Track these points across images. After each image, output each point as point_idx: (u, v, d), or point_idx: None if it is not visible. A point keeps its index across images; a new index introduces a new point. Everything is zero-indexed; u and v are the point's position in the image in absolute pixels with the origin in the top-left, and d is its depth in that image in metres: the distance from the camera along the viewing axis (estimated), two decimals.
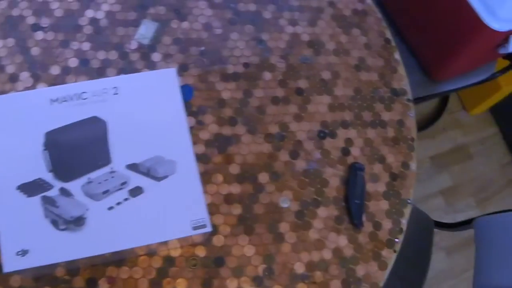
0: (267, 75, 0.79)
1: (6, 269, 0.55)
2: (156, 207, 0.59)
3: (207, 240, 0.70)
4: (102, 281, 0.67)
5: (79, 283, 0.67)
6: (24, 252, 0.56)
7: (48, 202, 0.57)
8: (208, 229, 0.59)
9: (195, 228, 0.59)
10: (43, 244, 0.56)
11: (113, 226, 0.58)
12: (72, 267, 0.67)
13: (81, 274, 0.67)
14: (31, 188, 0.58)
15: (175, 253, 0.69)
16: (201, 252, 0.70)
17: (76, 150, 0.60)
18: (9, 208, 0.57)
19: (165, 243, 0.64)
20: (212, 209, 0.71)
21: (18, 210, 0.57)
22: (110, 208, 0.58)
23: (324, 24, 0.84)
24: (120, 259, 0.68)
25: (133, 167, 0.60)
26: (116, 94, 0.63)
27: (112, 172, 0.60)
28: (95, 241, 0.57)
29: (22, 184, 0.58)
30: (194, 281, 0.68)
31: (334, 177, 0.75)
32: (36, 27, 0.79)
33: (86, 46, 0.78)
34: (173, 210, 0.59)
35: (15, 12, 0.80)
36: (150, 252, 0.68)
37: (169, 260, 0.69)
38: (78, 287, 0.66)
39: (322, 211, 0.74)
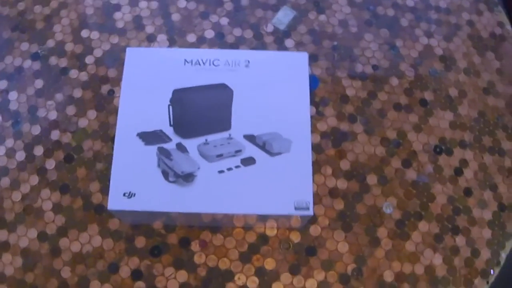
0: (394, 81, 0.79)
1: (111, 206, 0.58)
2: (265, 180, 0.61)
3: (304, 227, 0.71)
4: (195, 243, 0.70)
5: (172, 240, 0.70)
6: (131, 195, 0.59)
7: (163, 153, 0.61)
8: (310, 212, 0.60)
9: (297, 208, 0.60)
10: (150, 191, 0.59)
11: (220, 189, 0.60)
12: (169, 224, 0.70)
13: (176, 232, 0.71)
14: (150, 137, 0.61)
15: (271, 232, 0.71)
16: (296, 237, 0.71)
17: (200, 111, 0.63)
18: (125, 151, 0.61)
19: (263, 220, 0.66)
20: (315, 199, 0.73)
21: (133, 155, 0.60)
22: (221, 171, 0.61)
23: (460, 41, 0.83)
24: (216, 226, 0.70)
25: (250, 138, 0.62)
26: (247, 67, 0.65)
27: (229, 138, 0.62)
28: (200, 199, 0.59)
29: (142, 132, 0.61)
30: (283, 264, 0.70)
31: (442, 194, 0.74)
32: None
33: (224, 21, 0.82)
34: (280, 187, 0.60)
35: None
36: (247, 226, 0.70)
37: (263, 238, 0.71)
38: (171, 243, 0.70)
39: (423, 225, 0.73)
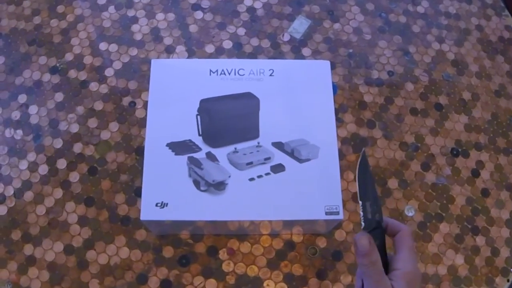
0: (410, 86, 0.81)
1: (143, 217, 0.59)
2: (295, 186, 0.61)
3: (330, 232, 0.72)
4: (223, 251, 0.71)
5: (200, 249, 0.71)
6: (163, 204, 0.60)
7: (194, 163, 0.62)
8: (341, 216, 0.61)
9: (328, 213, 0.61)
10: (183, 201, 0.60)
11: (251, 196, 0.61)
12: (197, 233, 0.70)
13: (204, 241, 0.71)
14: (179, 147, 0.62)
15: (297, 239, 0.72)
16: (322, 242, 0.72)
17: (227, 120, 0.64)
18: (156, 162, 0.61)
19: (290, 227, 0.67)
20: None
21: (164, 166, 0.61)
22: (251, 179, 0.61)
23: (470, 46, 0.85)
24: (244, 234, 0.71)
25: (278, 145, 0.63)
26: (272, 76, 0.67)
27: (258, 146, 0.63)
28: (232, 207, 0.60)
29: (171, 142, 0.62)
30: (310, 269, 0.71)
31: (461, 195, 0.76)
32: (196, 7, 0.85)
33: (241, 31, 0.84)
34: (310, 192, 0.61)
35: None
36: (273, 233, 0.71)
37: (290, 244, 0.72)
38: (199, 252, 0.71)
39: (444, 227, 0.74)
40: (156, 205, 0.60)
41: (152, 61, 0.66)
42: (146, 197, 0.60)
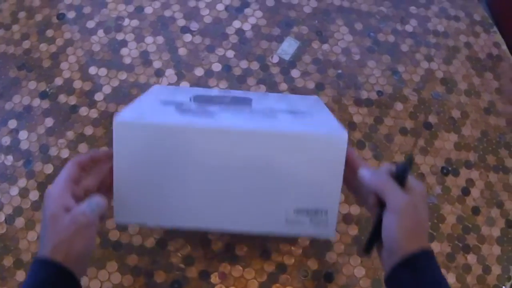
0: (399, 106, 0.81)
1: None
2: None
3: (320, 254, 0.72)
4: (214, 275, 0.71)
5: (192, 273, 0.71)
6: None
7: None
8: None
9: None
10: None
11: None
12: (188, 257, 0.70)
13: (195, 265, 0.71)
14: None
15: (289, 261, 0.72)
16: (313, 264, 0.73)
17: None
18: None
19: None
20: None
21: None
22: None
23: (459, 63, 0.86)
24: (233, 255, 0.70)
25: None
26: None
27: None
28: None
29: None
30: None
31: (451, 214, 0.76)
32: (185, 29, 0.85)
33: (230, 53, 0.84)
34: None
35: (167, 13, 0.87)
36: (265, 253, 0.71)
37: (281, 267, 0.72)
38: (191, 277, 0.71)
39: (435, 246, 0.75)
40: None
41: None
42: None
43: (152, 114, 0.58)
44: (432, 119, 0.81)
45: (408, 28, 0.88)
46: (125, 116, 0.56)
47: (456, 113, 0.82)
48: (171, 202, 0.57)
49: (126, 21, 0.85)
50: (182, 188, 0.57)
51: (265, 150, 0.56)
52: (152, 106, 0.62)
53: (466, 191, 0.78)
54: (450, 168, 0.79)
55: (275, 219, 0.58)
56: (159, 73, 0.82)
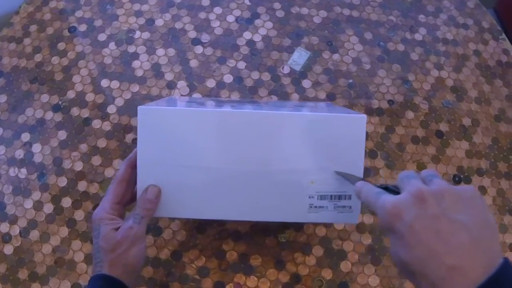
0: (410, 114, 0.82)
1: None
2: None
3: (334, 264, 0.73)
4: (229, 286, 0.71)
5: (207, 285, 0.71)
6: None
7: None
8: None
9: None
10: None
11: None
12: (203, 268, 0.71)
13: (210, 276, 0.72)
14: None
15: (303, 271, 0.73)
16: (327, 274, 0.73)
17: None
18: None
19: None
20: (344, 235, 0.74)
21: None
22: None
23: (469, 71, 0.86)
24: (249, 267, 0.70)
25: None
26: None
27: None
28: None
29: None
30: None
31: None
32: (196, 41, 0.86)
33: (241, 65, 0.84)
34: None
35: (178, 25, 0.87)
36: (280, 264, 0.71)
37: (296, 277, 0.72)
38: None
39: None
40: None
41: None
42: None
43: (174, 105, 0.60)
44: (443, 127, 0.81)
45: (418, 36, 0.88)
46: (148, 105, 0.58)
47: (467, 121, 0.82)
48: (193, 193, 0.58)
49: (137, 34, 0.86)
50: (205, 177, 0.58)
51: (290, 131, 0.57)
52: (172, 103, 0.63)
53: None
54: (462, 176, 0.79)
55: (299, 207, 0.59)
56: (171, 85, 0.82)
